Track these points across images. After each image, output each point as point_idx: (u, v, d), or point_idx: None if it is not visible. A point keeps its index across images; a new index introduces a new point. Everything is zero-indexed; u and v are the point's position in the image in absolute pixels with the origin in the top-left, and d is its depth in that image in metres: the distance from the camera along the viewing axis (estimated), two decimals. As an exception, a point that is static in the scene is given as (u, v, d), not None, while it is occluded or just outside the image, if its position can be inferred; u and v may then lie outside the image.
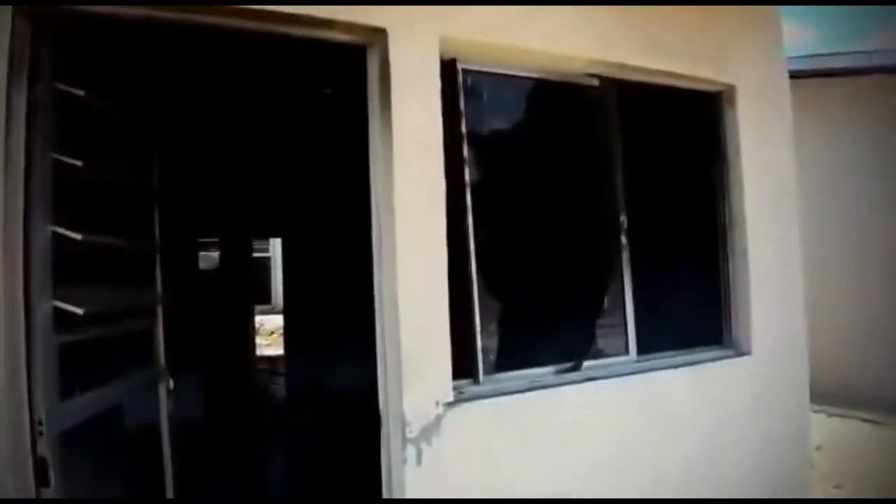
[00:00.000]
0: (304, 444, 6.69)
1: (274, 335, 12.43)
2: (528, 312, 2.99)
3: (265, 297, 15.25)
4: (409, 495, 2.38)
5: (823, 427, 5.82)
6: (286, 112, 5.26)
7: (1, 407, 1.81)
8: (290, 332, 7.59)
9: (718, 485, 3.33)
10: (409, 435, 2.37)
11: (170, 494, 2.88)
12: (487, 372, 2.74)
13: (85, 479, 2.20)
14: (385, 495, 2.45)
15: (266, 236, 12.95)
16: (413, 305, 2.42)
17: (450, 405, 2.47)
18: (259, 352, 11.80)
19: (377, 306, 2.48)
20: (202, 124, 5.42)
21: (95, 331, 2.44)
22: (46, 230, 2.04)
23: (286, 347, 7.64)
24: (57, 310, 2.05)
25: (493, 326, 2.83)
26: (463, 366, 2.62)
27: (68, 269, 2.37)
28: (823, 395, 5.21)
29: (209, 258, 12.82)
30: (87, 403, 2.24)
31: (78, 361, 2.42)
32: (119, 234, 2.58)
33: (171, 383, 3.12)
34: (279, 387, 8.55)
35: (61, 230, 2.08)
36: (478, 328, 2.70)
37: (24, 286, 1.93)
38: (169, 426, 3.00)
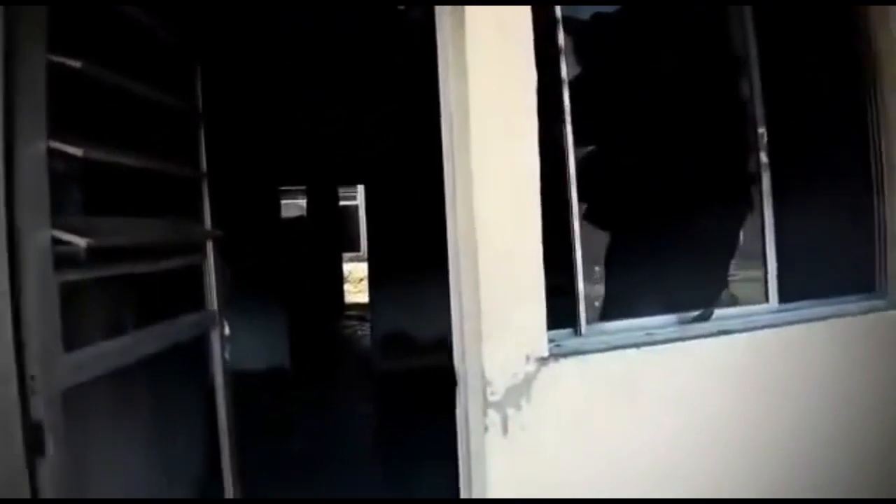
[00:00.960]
0: (387, 392, 6.52)
1: (363, 282, 12.33)
2: (642, 247, 2.39)
3: (354, 246, 15.24)
4: (493, 471, 1.89)
5: None
6: (367, 51, 4.86)
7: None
8: (374, 279, 7.33)
9: (850, 461, 2.65)
10: (491, 398, 1.87)
11: (225, 458, 2.54)
12: (591, 321, 2.18)
13: (103, 447, 1.86)
14: (462, 470, 1.99)
15: (350, 183, 12.75)
16: (495, 235, 1.89)
17: (543, 361, 1.93)
18: (348, 299, 11.79)
19: (449, 237, 1.97)
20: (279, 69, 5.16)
21: (118, 269, 2.08)
22: (39, 144, 1.63)
23: (370, 294, 7.40)
24: (63, 243, 1.67)
25: (599, 264, 2.26)
26: (559, 313, 2.08)
27: (81, 195, 2.02)
28: None
29: (298, 206, 12.86)
30: (106, 354, 1.86)
31: (96, 305, 2.08)
32: (149, 156, 2.19)
33: (228, 329, 2.78)
34: (366, 333, 8.46)
35: (58, 144, 1.67)
36: (579, 266, 2.13)
37: (6, 211, 1.53)
38: (225, 378, 2.65)
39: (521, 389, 1.89)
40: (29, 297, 1.54)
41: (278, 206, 7.88)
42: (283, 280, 7.25)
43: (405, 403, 5.91)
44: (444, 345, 6.26)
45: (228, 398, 2.59)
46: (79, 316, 1.87)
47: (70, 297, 1.74)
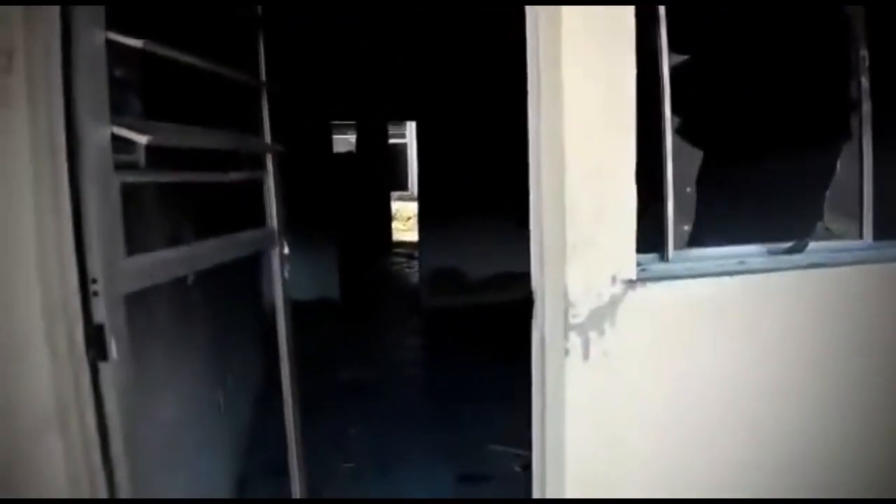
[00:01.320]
0: (434, 327, 6.56)
1: (410, 221, 12.29)
2: (736, 172, 2.19)
3: (402, 184, 15.15)
4: (571, 397, 1.77)
5: None
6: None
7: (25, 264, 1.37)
8: (423, 216, 7.27)
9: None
10: (572, 320, 1.74)
11: (285, 374, 2.49)
12: (679, 246, 2.01)
13: (166, 352, 1.80)
14: (536, 395, 1.88)
15: (402, 118, 12.54)
16: (585, 146, 1.72)
17: (631, 284, 1.78)
18: (396, 237, 11.77)
19: (531, 148, 1.81)
20: None
21: (179, 176, 2.00)
22: (97, 34, 1.51)
23: (420, 231, 7.35)
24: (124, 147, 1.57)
25: (689, 186, 2.07)
26: (645, 236, 1.91)
27: (141, 103, 1.91)
28: None
29: (348, 142, 12.76)
30: (168, 261, 1.79)
31: (159, 214, 2.00)
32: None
33: (287, 248, 2.70)
34: (414, 270, 8.47)
35: (116, 36, 1.55)
36: (669, 187, 1.95)
37: (65, 107, 1.42)
38: (284, 296, 2.58)
39: (605, 312, 1.75)
40: (90, 197, 1.45)
41: (330, 140, 7.78)
42: (333, 214, 7.23)
43: (452, 338, 5.97)
44: (490, 283, 6.34)
45: (287, 315, 2.53)
46: (142, 224, 1.80)
47: (133, 204, 1.66)
